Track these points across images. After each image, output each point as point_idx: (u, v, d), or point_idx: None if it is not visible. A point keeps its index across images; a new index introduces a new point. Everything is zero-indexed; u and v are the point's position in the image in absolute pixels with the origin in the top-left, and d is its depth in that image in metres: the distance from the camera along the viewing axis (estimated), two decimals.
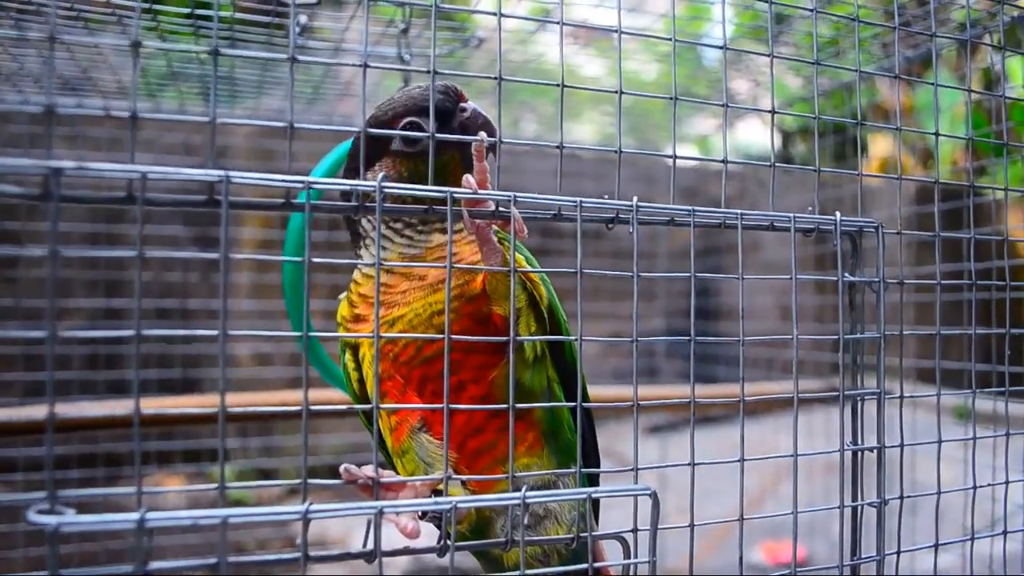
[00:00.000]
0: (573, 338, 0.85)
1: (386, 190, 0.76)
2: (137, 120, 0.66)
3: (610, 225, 0.86)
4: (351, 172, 1.01)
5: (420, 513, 0.84)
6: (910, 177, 1.12)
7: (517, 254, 0.84)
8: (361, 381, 1.03)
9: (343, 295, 1.04)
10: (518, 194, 0.82)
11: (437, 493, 0.87)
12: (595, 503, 1.04)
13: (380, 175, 0.78)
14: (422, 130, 0.96)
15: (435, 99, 0.96)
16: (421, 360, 0.94)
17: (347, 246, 1.06)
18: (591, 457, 1.06)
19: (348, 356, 1.03)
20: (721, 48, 0.96)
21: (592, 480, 1.06)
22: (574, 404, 0.88)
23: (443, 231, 0.97)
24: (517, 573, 0.77)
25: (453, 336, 0.78)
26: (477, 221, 0.88)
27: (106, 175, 0.66)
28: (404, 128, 0.96)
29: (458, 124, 0.98)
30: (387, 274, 0.96)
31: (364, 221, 1.00)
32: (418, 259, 0.98)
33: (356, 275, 1.01)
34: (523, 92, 2.72)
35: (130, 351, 2.90)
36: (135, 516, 0.62)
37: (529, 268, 0.96)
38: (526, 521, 0.78)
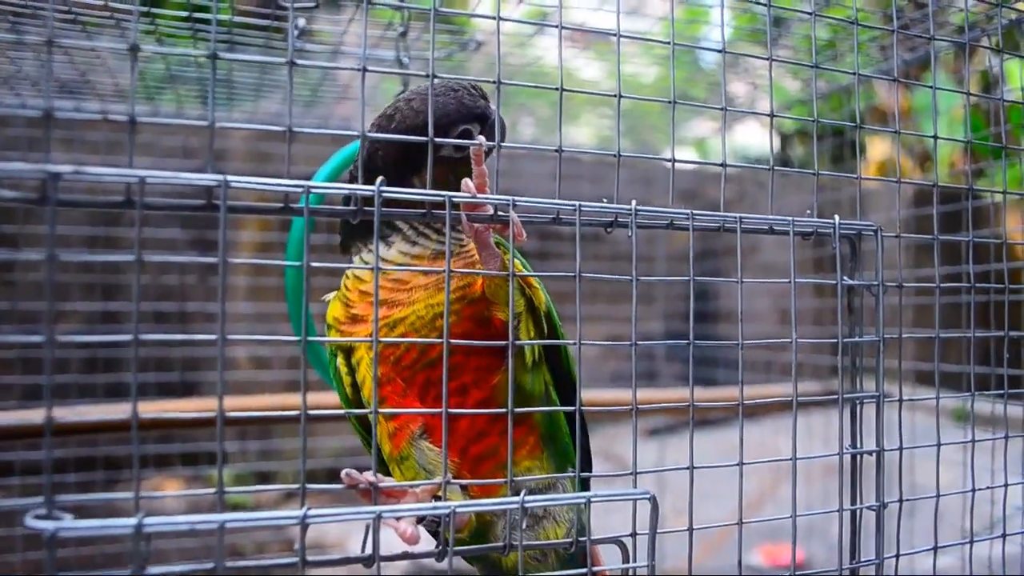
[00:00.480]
0: (572, 342, 0.85)
1: (385, 194, 0.75)
2: (135, 124, 0.66)
3: (609, 229, 0.86)
4: (400, 176, 0.99)
5: (419, 518, 0.84)
6: (909, 180, 1.12)
7: (515, 260, 0.84)
8: (355, 385, 1.00)
9: (331, 295, 1.02)
10: (517, 198, 0.81)
11: (437, 500, 0.87)
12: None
13: (379, 180, 0.78)
14: (473, 137, 0.97)
15: (477, 104, 0.97)
16: (425, 363, 0.93)
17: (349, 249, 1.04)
18: (584, 459, 1.06)
19: (340, 360, 1.01)
20: (720, 51, 0.96)
21: (584, 482, 1.06)
22: (573, 408, 0.88)
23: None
24: None
25: (452, 340, 0.78)
26: (476, 225, 0.87)
27: (104, 179, 0.65)
28: (459, 136, 0.97)
29: (488, 127, 0.99)
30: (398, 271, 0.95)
31: (399, 220, 0.98)
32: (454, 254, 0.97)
33: (361, 272, 0.97)
34: (521, 95, 2.73)
35: (128, 354, 2.88)
36: (133, 521, 0.62)
37: (527, 273, 0.96)
38: (525, 523, 0.78)
